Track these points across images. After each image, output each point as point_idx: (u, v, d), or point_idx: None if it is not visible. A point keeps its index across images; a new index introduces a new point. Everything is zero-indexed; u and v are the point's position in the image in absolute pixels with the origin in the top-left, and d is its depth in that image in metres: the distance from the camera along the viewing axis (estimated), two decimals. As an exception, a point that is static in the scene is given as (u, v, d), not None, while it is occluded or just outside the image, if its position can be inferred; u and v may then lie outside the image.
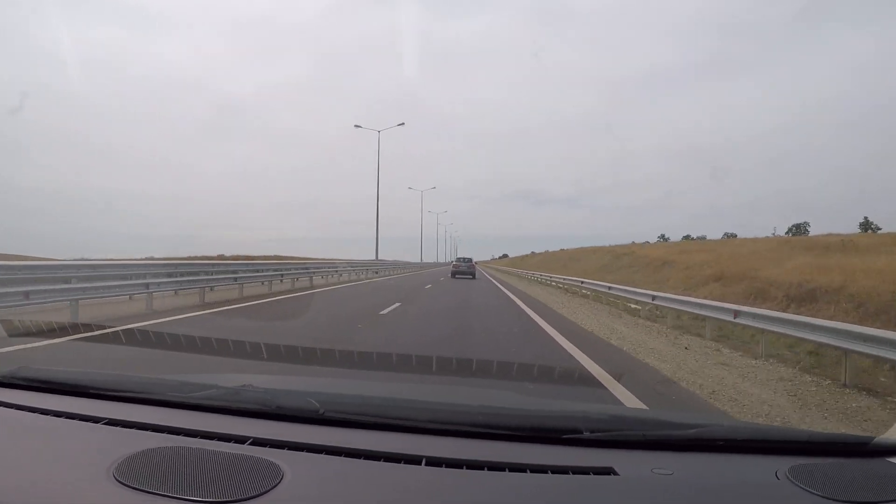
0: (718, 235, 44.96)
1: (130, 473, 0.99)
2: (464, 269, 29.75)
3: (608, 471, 1.06)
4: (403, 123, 42.46)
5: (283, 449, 1.11)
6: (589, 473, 1.07)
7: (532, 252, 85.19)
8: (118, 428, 1.24)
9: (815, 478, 1.01)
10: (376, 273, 30.14)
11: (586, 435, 1.17)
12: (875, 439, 1.17)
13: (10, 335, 5.85)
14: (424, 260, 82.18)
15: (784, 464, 1.08)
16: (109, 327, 6.46)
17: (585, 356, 5.63)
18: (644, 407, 3.37)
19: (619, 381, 4.07)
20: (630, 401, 3.64)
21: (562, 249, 66.55)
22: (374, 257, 38.29)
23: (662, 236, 41.25)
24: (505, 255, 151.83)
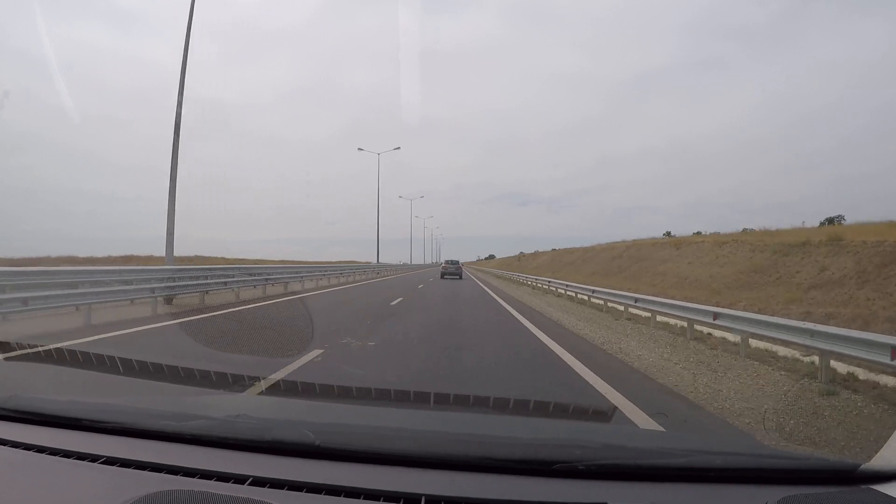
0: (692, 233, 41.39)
1: None
2: (452, 271, 34.91)
3: None
4: (399, 147, 49.75)
5: (283, 489, 1.13)
6: None
7: (521, 253, 78.81)
8: (117, 468, 1.24)
9: None
10: (378, 274, 37.35)
11: (581, 467, 1.21)
12: (861, 467, 1.21)
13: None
14: (410, 262, 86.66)
15: (774, 494, 1.12)
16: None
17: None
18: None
19: None
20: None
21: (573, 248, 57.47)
22: (357, 259, 44.79)
23: (668, 233, 39.17)
24: (492, 256, 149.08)
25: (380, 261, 45.09)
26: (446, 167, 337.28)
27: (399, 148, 49.23)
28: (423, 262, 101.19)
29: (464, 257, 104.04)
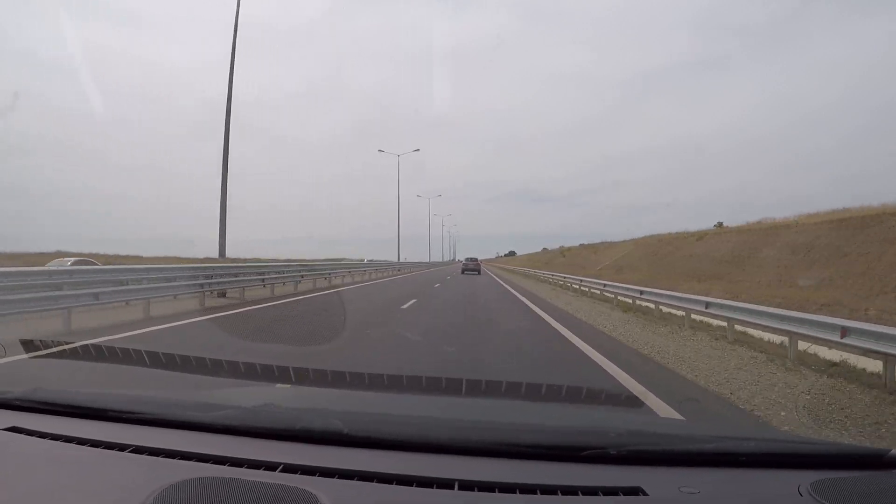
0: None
1: None
2: (471, 267, 41.41)
3: (637, 490, 1.11)
4: (419, 149, 54.60)
5: (315, 475, 1.14)
6: (618, 494, 1.11)
7: (563, 247, 71.09)
8: (146, 456, 1.26)
9: (835, 492, 1.07)
10: (398, 271, 40.12)
11: (612, 452, 1.23)
12: (890, 452, 1.24)
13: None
14: (429, 259, 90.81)
15: (805, 478, 1.14)
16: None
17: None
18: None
19: None
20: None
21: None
22: (372, 257, 48.30)
23: (720, 224, 34.09)
24: (512, 253, 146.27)
25: (400, 258, 49.68)
26: (459, 165, 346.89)
27: (418, 150, 53.54)
28: (440, 260, 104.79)
29: (480, 255, 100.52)
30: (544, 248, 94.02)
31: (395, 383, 2.87)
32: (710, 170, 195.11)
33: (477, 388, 2.57)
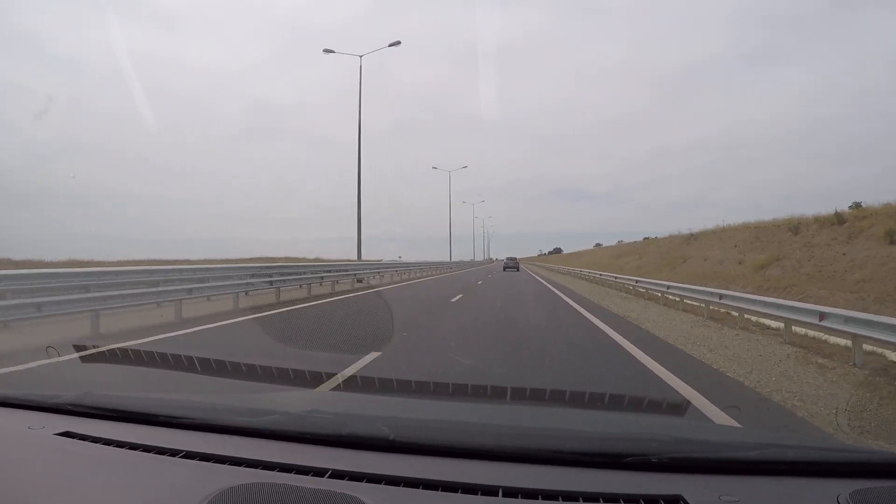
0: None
1: None
2: (511, 265, 51.08)
3: (677, 499, 1.15)
4: (466, 166, 61.08)
5: (362, 481, 1.20)
6: (659, 502, 1.15)
7: (646, 238, 56.39)
8: (197, 461, 1.32)
9: (874, 503, 1.11)
10: (450, 269, 48.32)
11: (653, 460, 1.28)
12: None
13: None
14: (473, 258, 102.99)
15: (845, 487, 1.18)
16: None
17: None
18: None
19: None
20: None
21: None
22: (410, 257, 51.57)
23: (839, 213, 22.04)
24: (558, 250, 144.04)
25: (451, 258, 59.23)
26: (501, 163, 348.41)
27: (466, 167, 60.68)
28: (482, 259, 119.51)
29: (520, 253, 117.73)
30: (597, 244, 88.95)
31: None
32: (760, 161, 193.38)
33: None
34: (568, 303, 15.07)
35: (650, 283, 17.13)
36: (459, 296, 16.52)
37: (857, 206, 22.42)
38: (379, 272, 27.44)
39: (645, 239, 56.32)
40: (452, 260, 66.27)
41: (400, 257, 47.83)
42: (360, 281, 22.16)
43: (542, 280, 30.89)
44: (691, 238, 34.44)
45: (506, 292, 19.30)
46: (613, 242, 77.62)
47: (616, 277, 23.11)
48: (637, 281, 18.82)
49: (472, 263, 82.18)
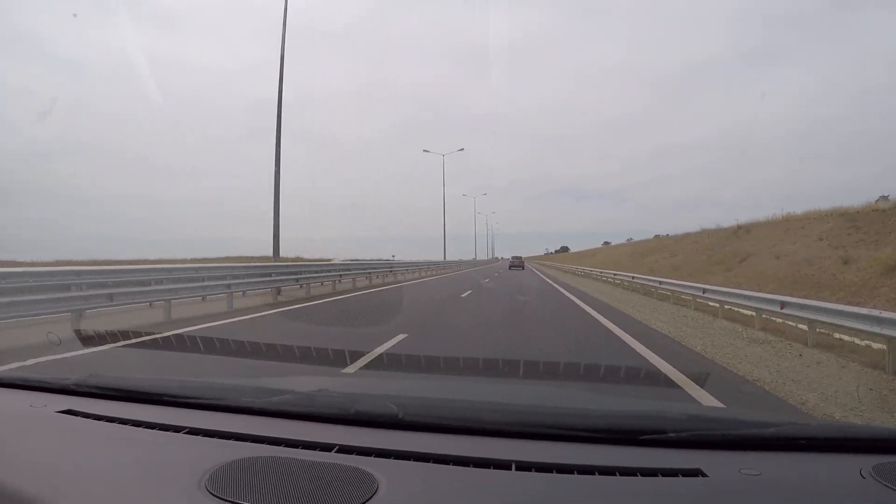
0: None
1: (223, 485, 1.08)
2: (516, 263, 55.15)
3: (696, 472, 1.19)
4: (463, 149, 54.97)
5: (371, 456, 1.24)
6: (678, 475, 1.18)
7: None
8: (201, 437, 1.38)
9: None
10: (443, 269, 43.27)
11: (671, 436, 1.34)
12: None
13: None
14: (475, 258, 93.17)
15: (867, 462, 1.22)
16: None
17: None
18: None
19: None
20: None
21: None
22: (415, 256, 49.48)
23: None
24: (564, 249, 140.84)
25: (446, 258, 53.64)
26: (504, 163, 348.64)
27: (463, 149, 54.29)
28: (486, 258, 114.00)
29: (525, 252, 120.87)
30: (605, 242, 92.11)
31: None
32: (761, 160, 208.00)
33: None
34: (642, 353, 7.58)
35: (728, 295, 12.15)
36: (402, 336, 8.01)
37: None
38: (317, 276, 19.24)
39: (656, 237, 53.66)
40: (450, 259, 59.35)
41: (393, 256, 50.35)
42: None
43: (559, 288, 22.38)
44: (741, 231, 29.43)
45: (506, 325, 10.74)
46: (621, 241, 77.23)
47: (660, 283, 17.80)
48: (704, 291, 13.61)
49: (473, 263, 74.99)
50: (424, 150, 52.95)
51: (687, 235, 39.48)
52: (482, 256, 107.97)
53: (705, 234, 34.36)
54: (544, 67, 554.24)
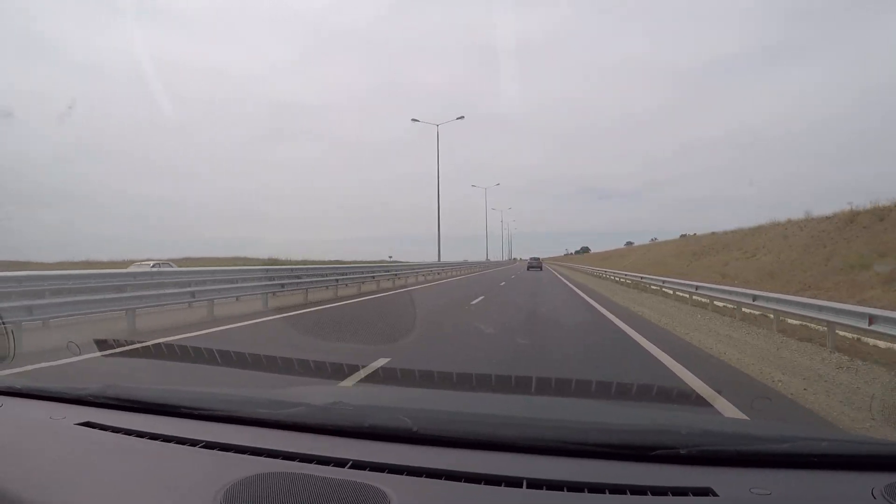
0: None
1: (239, 502, 1.14)
2: (534, 265, 61.34)
3: (707, 491, 1.23)
4: (463, 117, 49.53)
5: (384, 472, 1.30)
6: (688, 494, 1.23)
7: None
8: (216, 451, 1.45)
9: None
10: (439, 273, 41.02)
11: (682, 452, 1.39)
12: None
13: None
14: (487, 258, 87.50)
15: (879, 481, 1.25)
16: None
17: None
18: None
19: None
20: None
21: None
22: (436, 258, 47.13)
23: None
24: (585, 249, 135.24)
25: (441, 259, 47.66)
26: (523, 163, 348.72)
27: (462, 117, 50.26)
28: (500, 259, 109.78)
29: (543, 253, 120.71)
30: (628, 243, 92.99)
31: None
32: (785, 158, 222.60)
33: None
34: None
35: None
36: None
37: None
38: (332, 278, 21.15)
39: (682, 236, 50.32)
40: (452, 260, 56.29)
41: (390, 256, 43.84)
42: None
43: (601, 308, 15.28)
44: (875, 217, 21.19)
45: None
46: (644, 241, 74.00)
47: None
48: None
49: (485, 265, 71.25)
50: (413, 119, 45.28)
51: (759, 228, 31.11)
52: (494, 257, 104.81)
53: (794, 224, 25.76)
54: (564, 66, 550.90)
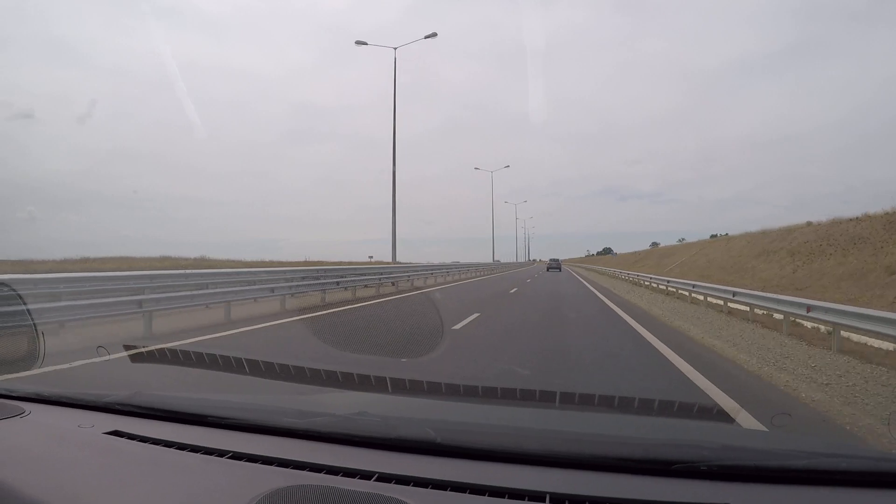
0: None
1: None
2: (554, 266, 70.04)
3: None
4: (508, 166, 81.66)
5: (409, 485, 1.34)
6: None
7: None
8: (245, 462, 1.48)
9: None
10: (492, 271, 51.70)
11: (701, 467, 1.42)
12: None
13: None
14: (516, 260, 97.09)
15: None
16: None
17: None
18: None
19: None
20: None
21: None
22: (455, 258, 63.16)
23: None
24: (608, 250, 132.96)
25: (495, 258, 65.91)
26: (545, 163, 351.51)
27: (508, 166, 75.85)
28: (525, 261, 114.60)
29: (565, 255, 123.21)
30: (654, 243, 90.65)
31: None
32: (806, 160, 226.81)
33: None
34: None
35: None
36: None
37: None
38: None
39: (712, 237, 48.24)
40: (463, 262, 57.55)
41: (371, 257, 45.24)
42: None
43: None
44: None
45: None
46: (671, 242, 72.69)
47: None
48: None
49: (500, 266, 68.51)
50: (476, 168, 66.36)
51: (843, 223, 23.16)
52: (507, 259, 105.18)
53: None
54: (587, 67, 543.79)
